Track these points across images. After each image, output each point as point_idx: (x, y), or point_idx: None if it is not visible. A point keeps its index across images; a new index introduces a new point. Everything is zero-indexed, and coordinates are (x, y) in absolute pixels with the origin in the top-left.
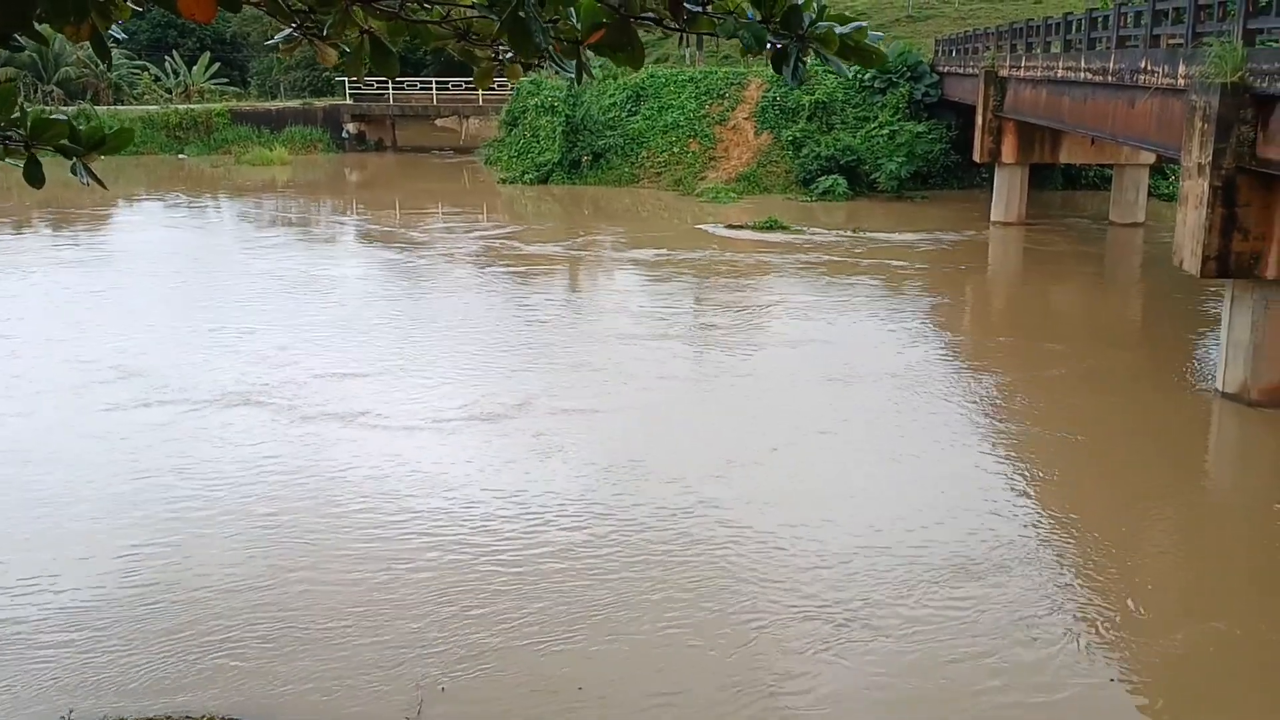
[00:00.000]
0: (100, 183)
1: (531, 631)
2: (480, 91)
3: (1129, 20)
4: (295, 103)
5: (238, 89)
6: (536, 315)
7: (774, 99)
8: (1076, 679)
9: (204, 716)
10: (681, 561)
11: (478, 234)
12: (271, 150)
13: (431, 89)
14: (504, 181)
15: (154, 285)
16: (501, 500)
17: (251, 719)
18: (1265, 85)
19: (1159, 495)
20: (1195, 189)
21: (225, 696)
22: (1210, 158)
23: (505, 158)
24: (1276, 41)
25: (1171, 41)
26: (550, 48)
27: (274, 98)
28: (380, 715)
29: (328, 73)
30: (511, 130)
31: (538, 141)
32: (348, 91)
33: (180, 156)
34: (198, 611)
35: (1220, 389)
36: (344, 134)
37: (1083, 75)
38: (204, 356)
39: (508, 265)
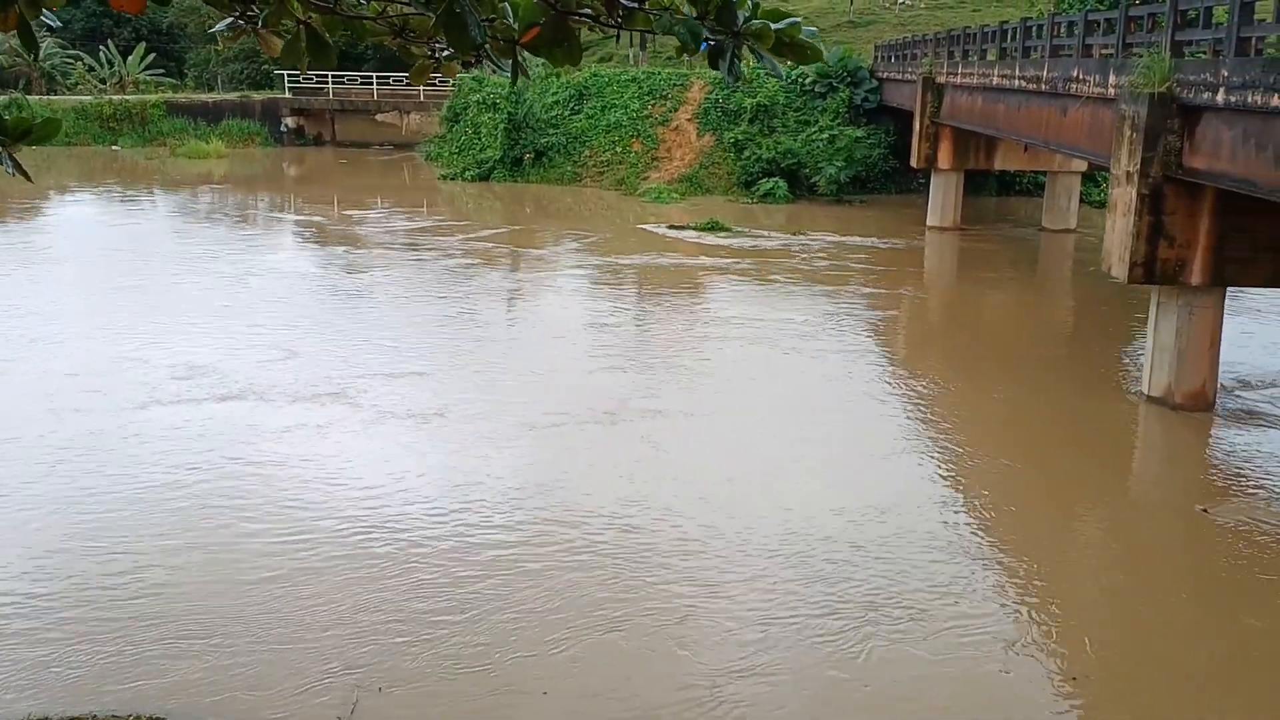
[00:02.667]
0: (25, 174)
1: (468, 631)
2: (421, 87)
3: (1062, 30)
4: (233, 95)
5: (174, 80)
6: (477, 318)
7: (716, 101)
8: (1003, 673)
9: (130, 716)
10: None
11: (416, 231)
12: (208, 143)
13: (372, 84)
14: (445, 178)
15: (59, 275)
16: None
17: (178, 718)
18: (1191, 96)
19: (1084, 495)
20: (1124, 197)
21: (154, 696)
22: (1138, 166)
23: (447, 154)
24: (1203, 53)
25: (1103, 52)
26: (487, 45)
27: (211, 90)
28: (313, 715)
29: (266, 65)
30: (453, 126)
31: (479, 138)
32: (286, 85)
33: (114, 148)
34: (132, 610)
35: (1146, 393)
36: (282, 128)
37: (1017, 83)
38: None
39: (447, 263)
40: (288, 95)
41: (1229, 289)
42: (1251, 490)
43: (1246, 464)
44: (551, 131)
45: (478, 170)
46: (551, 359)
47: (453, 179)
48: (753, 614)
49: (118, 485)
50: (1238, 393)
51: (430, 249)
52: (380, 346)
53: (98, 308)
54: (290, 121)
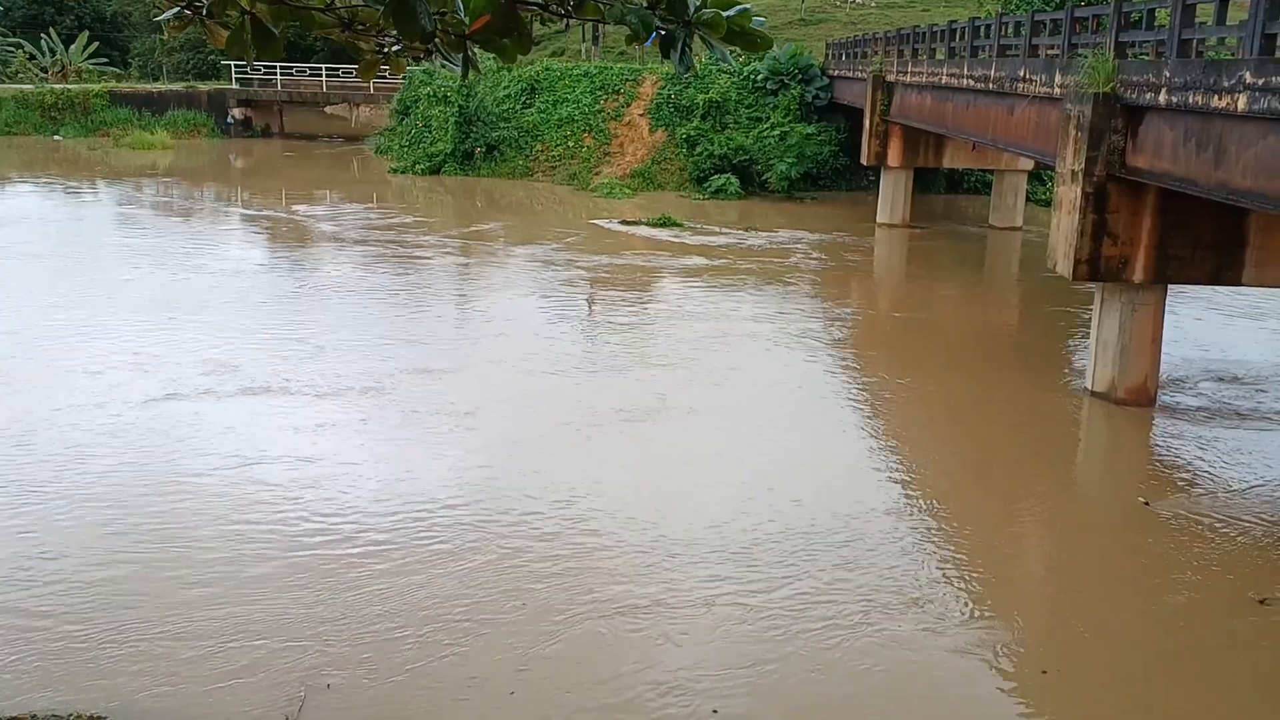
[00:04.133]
0: None
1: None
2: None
3: (1010, 30)
4: (178, 85)
5: (118, 70)
6: (428, 311)
7: (668, 96)
8: (943, 663)
9: (71, 715)
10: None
11: (364, 226)
12: (153, 134)
13: (321, 76)
14: (395, 171)
15: None
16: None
17: (120, 718)
18: (1134, 96)
19: (1029, 489)
20: (1069, 195)
21: (96, 695)
22: (1083, 165)
23: (396, 147)
24: (1146, 54)
25: (1049, 52)
26: (436, 36)
27: (156, 80)
28: (259, 712)
29: (213, 56)
30: (403, 120)
31: (430, 132)
32: (233, 76)
33: (55, 138)
34: (69, 602)
35: (1090, 388)
36: (229, 119)
37: (966, 82)
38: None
39: (395, 259)
40: (235, 86)
41: (1170, 286)
42: (1191, 483)
43: (1186, 457)
44: (503, 125)
45: (428, 164)
46: (495, 357)
47: (403, 172)
48: (699, 605)
49: (41, 485)
50: (1178, 388)
51: (378, 244)
52: (321, 345)
53: None
54: (237, 113)
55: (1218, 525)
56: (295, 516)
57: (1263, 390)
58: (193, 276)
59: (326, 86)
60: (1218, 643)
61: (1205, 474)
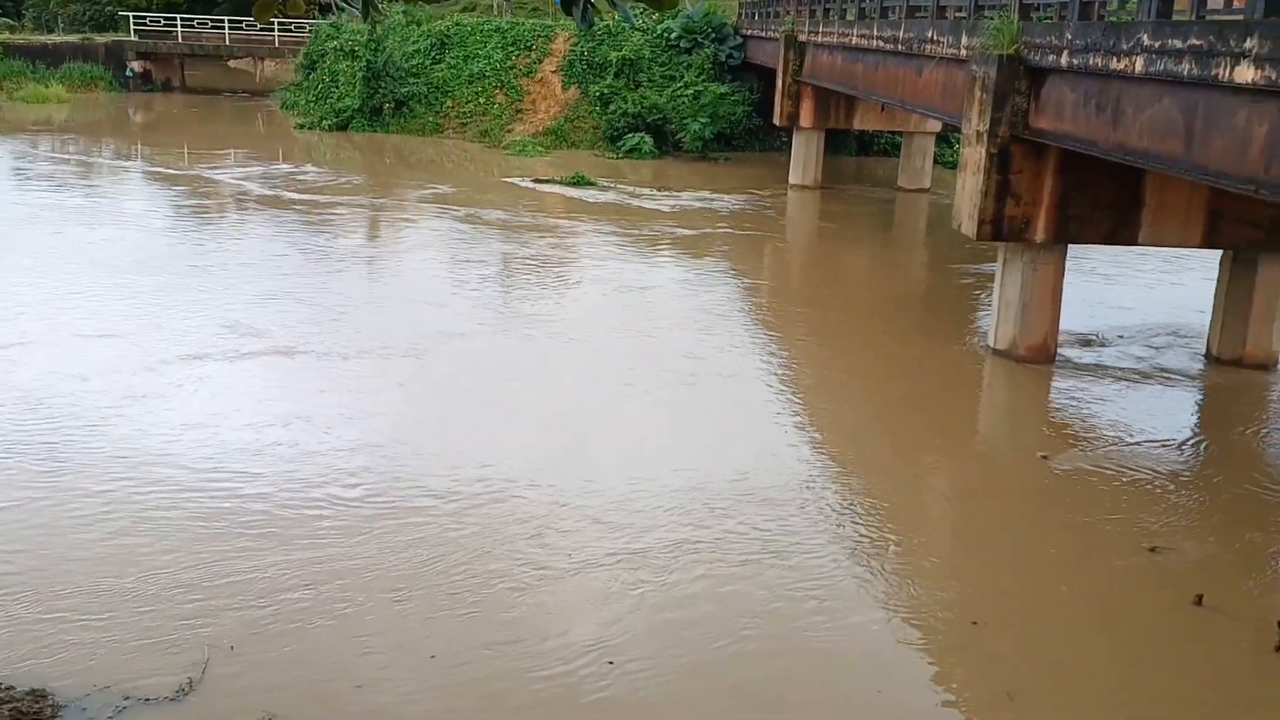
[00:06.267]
0: None
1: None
2: (276, 32)
3: None
4: (74, 37)
5: (10, 21)
6: (335, 267)
7: (581, 53)
8: (848, 618)
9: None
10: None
11: (268, 181)
12: (48, 87)
13: (224, 28)
14: (301, 127)
15: None
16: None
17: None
18: (1038, 58)
19: (933, 445)
20: (974, 156)
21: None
22: (988, 126)
23: (303, 102)
24: (1050, 17)
25: (956, 14)
26: None
27: (51, 31)
28: (159, 679)
29: (110, 6)
30: (309, 74)
31: (337, 87)
32: (132, 27)
33: None
34: None
35: (992, 346)
36: (128, 73)
37: (875, 43)
38: None
39: (302, 218)
40: (133, 38)
41: (1071, 246)
42: (1087, 438)
43: (1083, 413)
44: (412, 81)
45: (335, 119)
46: (409, 321)
47: (310, 128)
48: (599, 558)
49: None
50: (1076, 346)
51: (284, 203)
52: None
53: None
54: (136, 66)
55: (1111, 478)
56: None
57: (1154, 348)
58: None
59: (230, 39)
60: (1113, 589)
61: (1100, 429)
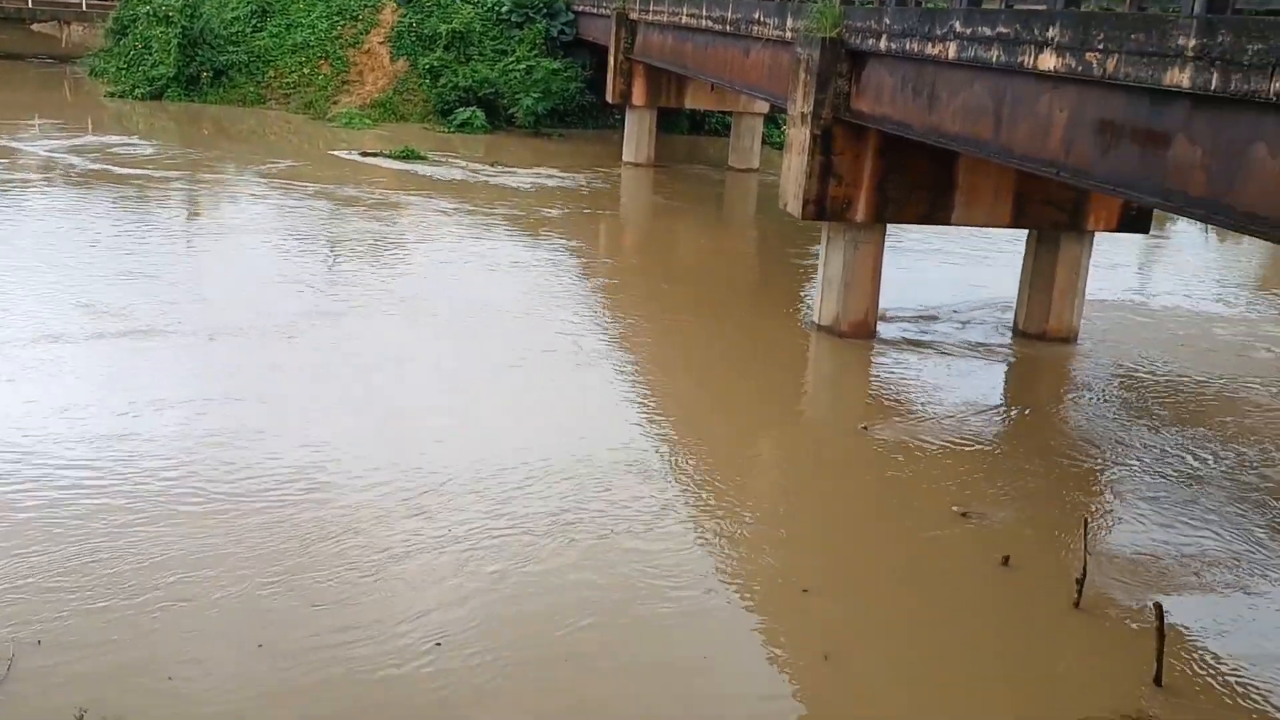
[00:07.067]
0: None
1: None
2: None
3: None
4: None
5: None
6: (145, 244)
7: (410, 24)
8: (682, 586)
9: None
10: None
11: (75, 153)
12: None
13: None
14: (112, 95)
15: None
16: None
17: None
18: (859, 42)
19: (760, 417)
20: (799, 137)
21: None
22: (811, 108)
23: (114, 70)
24: (870, 1)
25: None
26: None
27: None
28: None
29: None
30: (120, 40)
31: (150, 54)
32: None
33: None
34: None
35: (817, 322)
36: None
37: (705, 23)
38: None
39: (111, 192)
40: None
41: (891, 226)
42: (904, 409)
43: (901, 386)
44: (232, 49)
45: (149, 88)
46: (233, 298)
47: (121, 97)
48: (449, 528)
49: None
50: (895, 322)
51: (94, 176)
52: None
53: None
54: None
55: (926, 447)
56: None
57: (968, 324)
58: None
59: (33, 2)
60: (927, 553)
61: (916, 401)
